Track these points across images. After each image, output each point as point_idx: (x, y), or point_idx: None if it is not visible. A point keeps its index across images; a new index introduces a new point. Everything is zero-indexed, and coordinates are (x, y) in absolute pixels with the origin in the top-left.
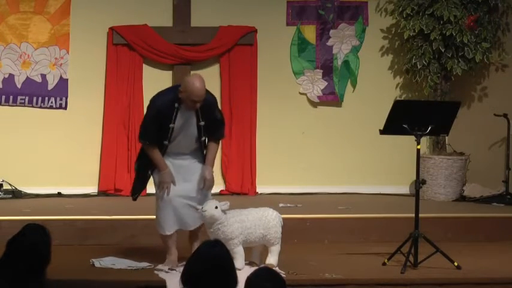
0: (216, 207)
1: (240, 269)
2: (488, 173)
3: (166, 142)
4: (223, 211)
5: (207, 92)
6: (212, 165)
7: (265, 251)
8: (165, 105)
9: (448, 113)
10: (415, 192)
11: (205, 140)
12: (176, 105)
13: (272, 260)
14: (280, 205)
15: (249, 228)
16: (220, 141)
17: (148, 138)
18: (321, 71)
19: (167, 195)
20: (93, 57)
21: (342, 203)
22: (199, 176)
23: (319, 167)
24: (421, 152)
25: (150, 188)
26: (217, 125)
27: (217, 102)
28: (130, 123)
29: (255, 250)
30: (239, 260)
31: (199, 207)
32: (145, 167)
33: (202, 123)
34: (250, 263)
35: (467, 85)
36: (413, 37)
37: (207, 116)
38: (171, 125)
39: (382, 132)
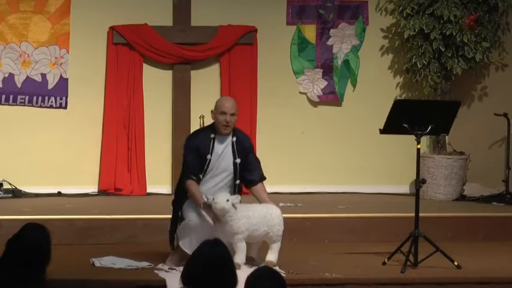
0: (227, 200)
1: (240, 264)
2: (489, 173)
3: (200, 175)
4: (234, 205)
5: (243, 132)
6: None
7: (264, 246)
8: (202, 138)
9: (448, 112)
10: (415, 192)
11: (239, 184)
12: (212, 135)
13: (272, 257)
14: (281, 204)
15: (255, 225)
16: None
17: (192, 173)
18: (321, 70)
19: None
20: (93, 56)
21: (342, 202)
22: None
23: (319, 166)
24: (421, 151)
25: (151, 187)
26: (255, 166)
27: (253, 146)
28: (131, 123)
29: (254, 245)
30: (241, 255)
31: (211, 197)
32: (178, 209)
33: (238, 160)
34: (249, 259)
35: (467, 84)
36: (414, 36)
37: (243, 154)
38: (208, 156)
39: (382, 131)
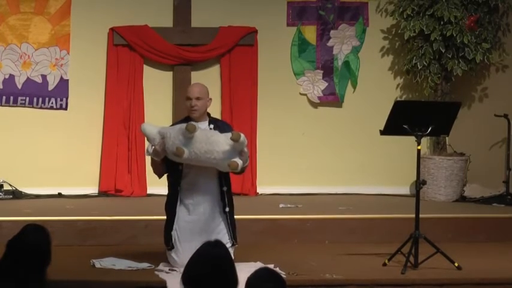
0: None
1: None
2: (489, 174)
3: (180, 167)
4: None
5: (221, 120)
6: None
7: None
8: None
9: (449, 113)
10: (415, 193)
11: (224, 178)
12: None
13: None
14: (281, 205)
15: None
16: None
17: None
18: (322, 71)
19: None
20: (94, 57)
21: (342, 203)
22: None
23: (319, 167)
24: (422, 152)
25: (151, 188)
26: None
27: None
28: (131, 124)
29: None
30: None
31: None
32: (171, 207)
33: None
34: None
35: (467, 86)
36: (414, 38)
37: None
38: None
39: (383, 132)
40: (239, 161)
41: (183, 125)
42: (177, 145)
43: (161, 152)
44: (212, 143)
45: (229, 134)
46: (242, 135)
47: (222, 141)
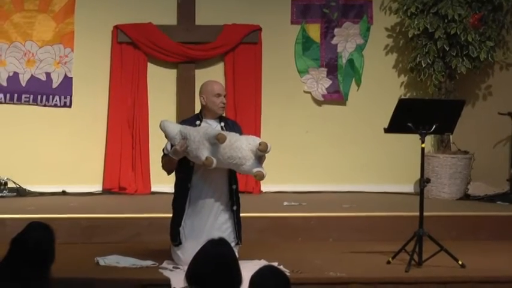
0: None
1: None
2: (493, 172)
3: (191, 163)
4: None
5: (230, 119)
6: None
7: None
8: (187, 124)
9: (453, 111)
10: (419, 191)
11: (234, 176)
12: (198, 122)
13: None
14: (285, 203)
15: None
16: None
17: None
18: (326, 69)
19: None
20: (98, 55)
21: (346, 201)
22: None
23: (323, 165)
24: (426, 150)
25: (155, 186)
26: None
27: (243, 132)
28: (135, 122)
29: None
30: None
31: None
32: (181, 203)
33: None
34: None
35: (471, 84)
36: (418, 36)
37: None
38: None
39: (387, 130)
40: (264, 171)
41: (209, 131)
42: (201, 150)
43: (181, 152)
44: (235, 149)
45: (251, 139)
46: (269, 145)
47: (245, 147)
